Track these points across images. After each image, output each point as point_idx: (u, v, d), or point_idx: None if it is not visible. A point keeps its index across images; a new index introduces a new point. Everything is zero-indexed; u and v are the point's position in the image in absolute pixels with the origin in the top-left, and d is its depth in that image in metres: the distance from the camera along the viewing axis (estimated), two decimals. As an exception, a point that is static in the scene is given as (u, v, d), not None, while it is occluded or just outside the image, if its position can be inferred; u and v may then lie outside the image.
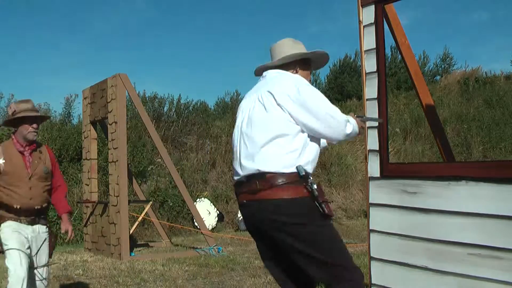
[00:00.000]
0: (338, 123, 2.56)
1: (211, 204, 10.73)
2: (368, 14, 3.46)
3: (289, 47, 2.75)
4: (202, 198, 10.74)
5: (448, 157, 3.90)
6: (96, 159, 8.31)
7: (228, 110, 16.41)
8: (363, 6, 3.50)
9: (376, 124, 3.36)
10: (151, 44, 33.02)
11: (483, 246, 2.87)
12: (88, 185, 8.22)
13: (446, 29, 29.01)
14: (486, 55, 30.20)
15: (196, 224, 8.99)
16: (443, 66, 18.53)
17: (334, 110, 2.57)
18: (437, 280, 3.08)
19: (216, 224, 10.61)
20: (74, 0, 31.94)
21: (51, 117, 12.07)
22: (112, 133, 7.41)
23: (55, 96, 35.34)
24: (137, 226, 8.60)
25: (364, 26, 3.47)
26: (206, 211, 10.35)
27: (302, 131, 2.53)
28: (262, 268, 5.86)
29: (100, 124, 8.45)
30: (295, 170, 2.47)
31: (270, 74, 2.72)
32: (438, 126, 3.98)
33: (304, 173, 2.48)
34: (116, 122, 7.26)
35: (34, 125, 3.52)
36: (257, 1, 35.87)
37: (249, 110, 2.64)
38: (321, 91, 2.76)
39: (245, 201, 2.57)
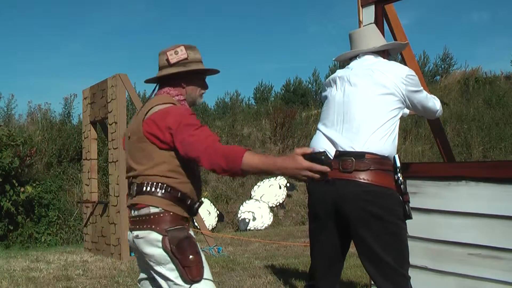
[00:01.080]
0: (434, 107, 2.77)
1: (211, 204, 10.73)
2: (368, 14, 3.46)
3: (377, 34, 2.81)
4: (202, 198, 10.74)
5: (448, 157, 3.90)
6: (96, 159, 8.31)
7: (228, 110, 16.41)
8: (363, 6, 3.50)
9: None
10: (151, 44, 33.02)
11: (483, 246, 2.87)
12: (88, 185, 8.22)
13: (446, 29, 29.02)
14: (486, 55, 30.19)
15: (196, 224, 8.99)
16: (443, 66, 18.52)
17: (430, 98, 2.74)
18: (437, 280, 3.08)
19: (216, 224, 10.61)
20: (74, 0, 31.93)
21: (52, 117, 12.08)
22: (112, 133, 7.41)
23: (55, 96, 35.32)
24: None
25: (364, 26, 3.47)
26: (206, 211, 10.35)
27: (399, 118, 2.54)
28: (262, 268, 5.86)
29: (100, 124, 8.45)
30: (392, 158, 2.41)
31: (370, 57, 2.71)
32: (438, 126, 3.98)
33: (399, 165, 2.43)
34: (116, 122, 7.26)
35: (206, 85, 2.38)
36: (257, 1, 35.88)
37: (353, 85, 2.59)
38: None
39: (329, 177, 2.37)
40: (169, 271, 2.11)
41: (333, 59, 2.94)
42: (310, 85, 19.17)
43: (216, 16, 35.26)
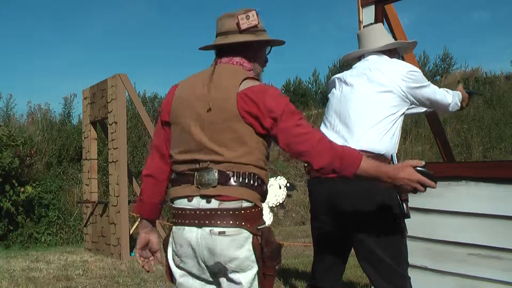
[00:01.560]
0: (445, 101, 2.73)
1: (211, 204, 10.72)
2: (368, 14, 3.46)
3: (384, 33, 2.81)
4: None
5: (448, 157, 3.90)
6: (96, 159, 8.31)
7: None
8: (363, 6, 3.51)
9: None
10: (151, 44, 33.00)
11: (483, 246, 2.87)
12: (88, 185, 8.22)
13: (446, 29, 29.03)
14: (486, 55, 30.18)
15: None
16: (443, 66, 18.52)
17: (440, 92, 2.71)
18: (437, 280, 3.08)
19: (216, 224, 10.61)
20: (74, 0, 31.91)
21: (52, 117, 12.08)
22: (112, 133, 7.41)
23: (54, 96, 35.29)
24: (137, 226, 8.60)
25: (364, 26, 3.47)
26: (206, 211, 10.34)
27: (400, 116, 2.52)
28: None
29: (100, 124, 8.45)
30: (390, 156, 2.39)
31: (373, 57, 2.71)
32: (438, 126, 3.98)
33: (397, 163, 2.42)
34: (116, 122, 7.26)
35: (267, 60, 2.05)
36: (257, 1, 35.88)
37: (349, 85, 2.60)
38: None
39: (323, 177, 2.32)
40: (250, 278, 1.76)
41: (341, 58, 2.96)
42: (310, 85, 19.14)
43: (216, 15, 35.23)
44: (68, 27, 30.07)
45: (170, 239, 1.89)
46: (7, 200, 8.57)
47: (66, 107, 12.40)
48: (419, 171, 1.87)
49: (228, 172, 1.77)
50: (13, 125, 11.29)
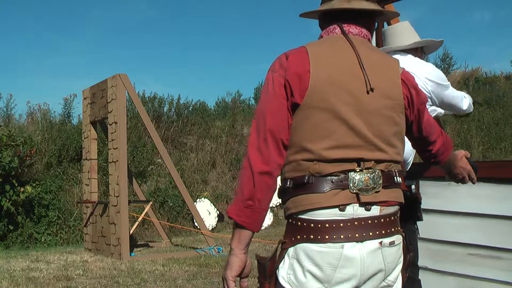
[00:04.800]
0: (461, 104, 2.78)
1: (211, 204, 10.73)
2: (368, 14, 3.46)
3: (410, 31, 2.80)
4: (202, 198, 10.74)
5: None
6: (96, 159, 8.32)
7: (228, 110, 16.41)
8: (363, 6, 3.50)
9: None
10: (151, 44, 33.00)
11: (483, 246, 2.87)
12: (88, 185, 8.22)
13: (446, 29, 29.04)
14: (486, 55, 30.20)
15: (196, 224, 8.99)
16: (443, 66, 18.50)
17: (457, 94, 2.76)
18: (437, 280, 3.08)
19: (216, 224, 10.61)
20: (74, 0, 31.91)
21: (52, 117, 12.08)
22: (112, 133, 7.42)
23: (54, 96, 35.29)
24: (137, 226, 8.61)
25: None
26: (206, 211, 10.35)
27: None
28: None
29: (100, 124, 8.45)
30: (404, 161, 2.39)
31: (398, 56, 2.65)
32: (438, 126, 3.98)
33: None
34: (116, 122, 7.26)
35: None
36: (258, 1, 35.91)
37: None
38: None
39: None
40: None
41: None
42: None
43: (217, 15, 35.28)
44: (68, 27, 30.07)
45: (288, 261, 1.48)
46: (7, 200, 8.58)
47: (66, 107, 12.41)
48: (469, 163, 1.85)
49: (389, 173, 1.51)
50: (13, 125, 11.29)
